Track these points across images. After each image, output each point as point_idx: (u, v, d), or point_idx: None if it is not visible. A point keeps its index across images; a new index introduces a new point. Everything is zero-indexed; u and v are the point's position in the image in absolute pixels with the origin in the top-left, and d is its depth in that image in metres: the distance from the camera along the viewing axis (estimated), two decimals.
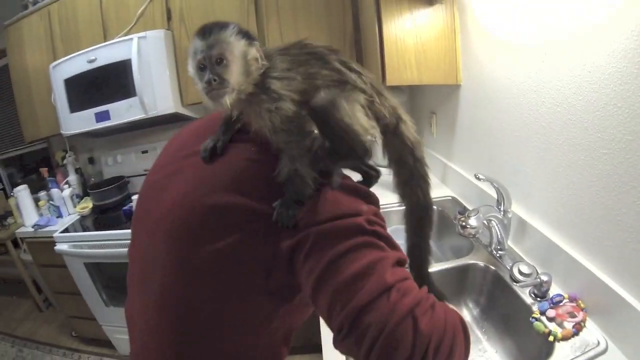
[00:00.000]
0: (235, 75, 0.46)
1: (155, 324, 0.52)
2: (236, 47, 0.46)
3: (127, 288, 0.62)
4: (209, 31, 0.46)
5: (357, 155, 0.50)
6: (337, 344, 0.43)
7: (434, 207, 1.13)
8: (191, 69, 0.48)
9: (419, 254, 0.62)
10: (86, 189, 2.11)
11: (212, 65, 0.45)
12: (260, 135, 0.49)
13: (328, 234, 0.44)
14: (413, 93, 1.77)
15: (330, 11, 1.57)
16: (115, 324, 1.98)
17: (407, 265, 0.52)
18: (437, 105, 1.51)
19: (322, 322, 0.77)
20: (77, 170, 2.13)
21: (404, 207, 0.62)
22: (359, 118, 0.48)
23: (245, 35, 0.48)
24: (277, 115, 0.46)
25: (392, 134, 0.56)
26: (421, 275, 0.61)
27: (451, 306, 0.45)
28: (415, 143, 0.58)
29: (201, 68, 0.46)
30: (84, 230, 1.82)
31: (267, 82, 0.47)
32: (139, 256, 0.58)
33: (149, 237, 0.55)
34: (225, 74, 0.45)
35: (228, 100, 0.46)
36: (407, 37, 1.22)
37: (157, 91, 1.57)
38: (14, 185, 3.07)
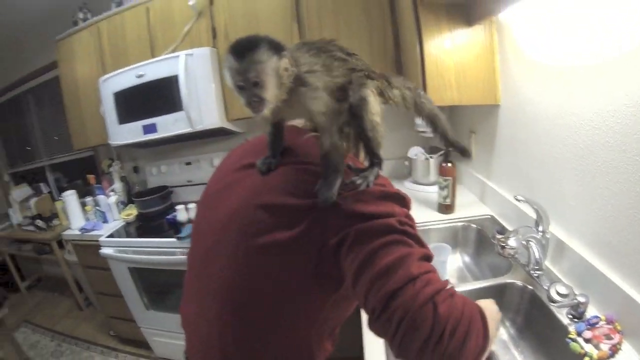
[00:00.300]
0: (271, 91, 0.53)
1: (216, 315, 0.60)
2: (269, 66, 0.51)
3: (183, 289, 0.73)
4: (243, 53, 0.51)
5: (377, 145, 0.62)
6: (371, 324, 0.51)
7: (473, 225, 1.30)
8: (230, 84, 0.54)
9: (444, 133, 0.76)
10: (130, 196, 2.21)
11: (249, 86, 0.51)
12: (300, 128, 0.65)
13: (366, 231, 0.51)
14: (452, 112, 1.76)
15: (371, 31, 1.59)
16: (153, 326, 2.05)
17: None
18: (476, 124, 1.51)
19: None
20: (122, 178, 2.23)
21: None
22: (376, 108, 0.60)
23: (276, 48, 0.52)
24: (318, 102, 0.55)
25: (418, 105, 0.70)
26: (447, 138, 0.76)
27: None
28: (405, 83, 0.70)
29: (240, 87, 0.52)
30: (128, 236, 1.90)
31: (302, 77, 0.55)
32: (200, 257, 0.67)
33: (214, 237, 0.63)
34: (262, 93, 0.52)
35: (267, 111, 0.54)
36: (447, 57, 1.24)
37: (203, 106, 1.63)
38: (60, 189, 3.26)
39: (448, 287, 0.49)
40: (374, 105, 0.60)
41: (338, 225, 0.53)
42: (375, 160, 0.63)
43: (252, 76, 0.50)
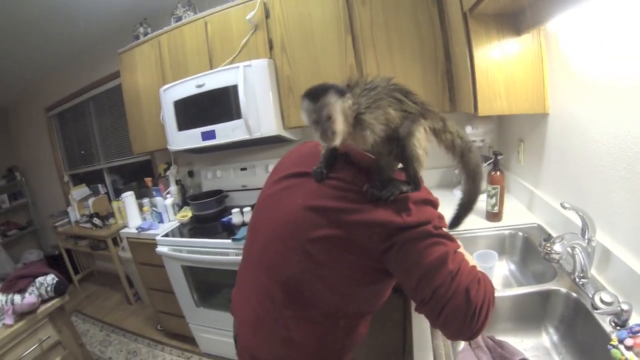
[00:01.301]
0: (339, 125, 0.67)
1: (266, 290, 0.76)
2: (338, 106, 0.66)
3: (237, 278, 0.90)
4: (316, 96, 0.66)
5: (414, 171, 0.71)
6: (420, 309, 0.67)
7: (520, 233, 1.33)
8: (306, 121, 0.69)
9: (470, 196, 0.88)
10: (185, 199, 2.34)
11: (323, 122, 0.66)
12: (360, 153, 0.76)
13: (410, 238, 0.65)
14: (501, 121, 1.76)
15: (422, 43, 1.62)
16: (201, 323, 2.15)
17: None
18: (525, 133, 1.49)
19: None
20: (178, 182, 2.37)
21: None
22: (422, 143, 0.70)
23: (341, 93, 0.67)
24: (374, 135, 0.68)
25: (443, 132, 0.77)
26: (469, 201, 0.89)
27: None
28: (459, 131, 0.79)
29: (315, 122, 0.67)
30: (182, 237, 2.01)
31: (359, 117, 0.68)
32: (257, 249, 0.82)
33: (272, 233, 0.77)
34: (333, 127, 0.66)
35: (337, 142, 0.68)
36: (496, 67, 1.24)
37: (261, 114, 1.71)
38: (116, 191, 3.50)
39: (475, 272, 0.66)
40: (420, 140, 0.70)
41: (386, 234, 0.66)
42: (411, 180, 0.72)
43: (325, 114, 0.65)
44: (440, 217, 0.71)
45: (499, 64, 1.25)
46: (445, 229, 0.70)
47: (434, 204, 0.72)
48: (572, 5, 0.88)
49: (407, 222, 0.66)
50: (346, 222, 0.67)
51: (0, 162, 4.20)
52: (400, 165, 0.75)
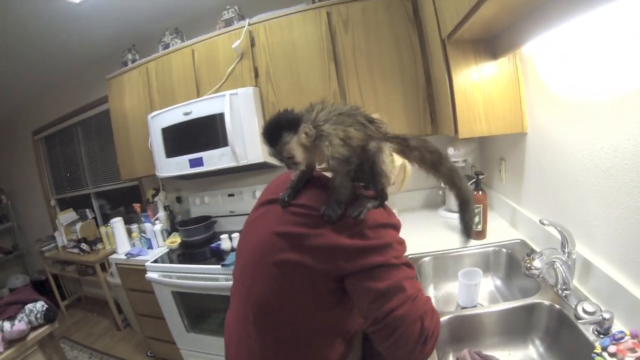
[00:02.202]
0: (300, 156, 0.72)
1: (248, 319, 0.78)
2: (293, 143, 0.71)
3: (230, 300, 0.92)
4: (272, 139, 0.72)
5: (381, 185, 0.75)
6: (370, 327, 0.69)
7: (504, 249, 1.35)
8: (271, 155, 0.75)
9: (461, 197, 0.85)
10: (174, 225, 2.33)
11: (285, 159, 0.73)
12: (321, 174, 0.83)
13: (368, 265, 0.68)
14: (482, 141, 1.82)
15: (403, 68, 1.68)
16: (192, 348, 2.12)
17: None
18: (506, 152, 1.55)
19: None
20: (166, 208, 2.37)
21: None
22: (387, 163, 0.75)
23: (294, 126, 0.71)
24: (330, 148, 0.71)
25: (410, 150, 0.80)
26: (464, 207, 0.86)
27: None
28: (427, 146, 0.81)
29: (279, 160, 0.74)
30: (172, 262, 2.00)
31: (320, 130, 0.72)
32: (238, 273, 0.86)
33: (247, 257, 0.82)
34: (295, 159, 0.72)
35: (301, 168, 0.76)
36: (475, 90, 1.30)
37: (247, 142, 1.74)
38: (103, 215, 3.46)
39: (429, 302, 0.71)
40: (386, 156, 0.76)
41: (344, 258, 0.69)
42: (379, 195, 0.77)
43: (284, 154, 0.72)
44: (400, 242, 0.74)
45: (478, 87, 1.31)
46: (403, 256, 0.72)
47: (394, 226, 0.75)
48: (544, 30, 0.93)
49: (364, 245, 0.69)
50: (306, 247, 0.71)
51: None
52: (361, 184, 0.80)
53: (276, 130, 0.72)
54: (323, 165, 0.79)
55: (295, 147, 0.71)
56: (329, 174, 0.81)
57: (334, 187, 0.73)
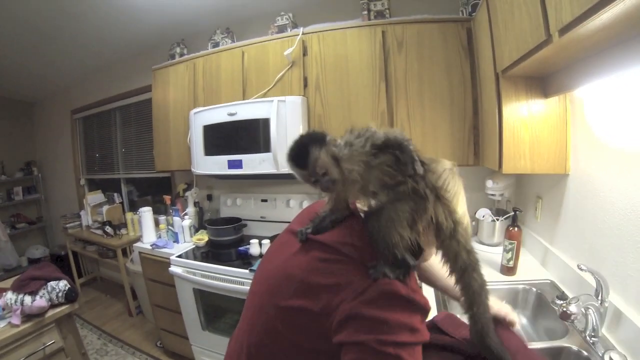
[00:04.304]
0: (335, 171, 0.62)
1: (246, 348, 0.68)
2: (324, 156, 0.62)
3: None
4: (301, 159, 0.63)
5: (390, 253, 0.59)
6: None
7: (534, 289, 1.29)
8: (302, 181, 0.66)
9: (478, 322, 0.67)
10: (202, 222, 2.34)
11: (320, 178, 0.63)
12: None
13: (371, 346, 0.53)
14: (520, 176, 1.78)
15: (452, 96, 1.66)
16: (205, 347, 2.12)
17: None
18: (544, 190, 1.53)
19: None
20: (196, 204, 2.38)
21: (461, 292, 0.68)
22: (397, 228, 0.58)
23: (320, 140, 0.63)
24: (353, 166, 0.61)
25: (449, 238, 0.63)
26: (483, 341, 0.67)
27: None
28: (469, 241, 0.65)
29: (314, 182, 0.64)
30: (196, 260, 2.01)
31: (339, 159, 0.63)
32: (251, 297, 0.75)
33: (260, 287, 0.72)
34: (331, 175, 0.62)
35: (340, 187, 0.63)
36: (523, 126, 1.29)
37: None
38: (131, 202, 3.53)
39: None
40: (391, 220, 0.60)
41: (355, 327, 0.54)
42: (399, 262, 0.60)
43: (318, 170, 0.62)
44: (412, 329, 0.55)
45: (526, 124, 1.29)
46: (414, 343, 0.55)
47: (417, 307, 0.57)
48: (599, 77, 0.92)
49: (382, 319, 0.54)
50: (316, 296, 0.59)
51: (20, 154, 4.28)
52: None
53: (302, 148, 0.63)
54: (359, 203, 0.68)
55: (328, 160, 0.62)
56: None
57: (376, 235, 0.59)
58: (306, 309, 0.59)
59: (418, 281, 0.77)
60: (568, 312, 0.92)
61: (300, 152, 0.63)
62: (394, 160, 0.60)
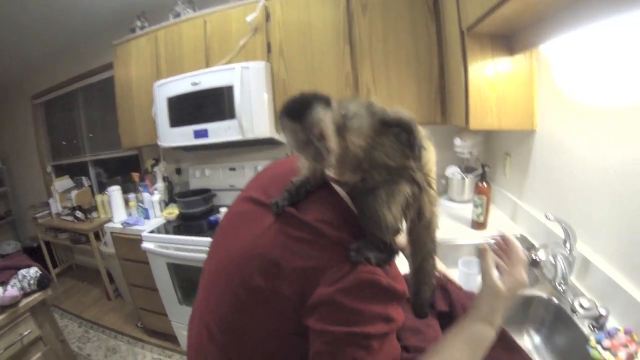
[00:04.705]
0: (334, 140, 0.53)
1: (210, 334, 0.61)
2: (328, 120, 0.52)
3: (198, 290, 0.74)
4: (300, 112, 0.51)
5: (379, 236, 0.55)
6: None
7: None
8: (292, 144, 0.55)
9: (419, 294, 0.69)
10: (172, 196, 2.32)
11: (314, 141, 0.52)
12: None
13: (341, 337, 0.50)
14: (489, 134, 1.82)
15: (418, 56, 1.67)
16: (184, 321, 2.13)
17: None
18: (512, 147, 1.57)
19: None
20: (165, 179, 2.35)
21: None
22: (392, 210, 0.54)
23: (326, 101, 0.53)
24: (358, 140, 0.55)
25: (425, 227, 0.63)
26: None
27: None
28: (436, 231, 0.65)
29: (305, 144, 0.53)
30: (168, 234, 2.00)
31: (345, 122, 0.55)
32: (213, 275, 0.67)
33: (220, 266, 0.65)
34: (328, 142, 0.52)
35: (331, 163, 0.54)
36: (489, 84, 1.31)
37: (255, 116, 1.72)
38: (100, 184, 3.43)
39: None
40: (385, 203, 0.56)
41: (327, 314, 0.51)
42: (386, 247, 0.57)
43: (315, 132, 0.51)
44: (387, 319, 0.53)
45: (492, 81, 1.31)
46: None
47: (396, 296, 0.54)
48: (563, 32, 0.94)
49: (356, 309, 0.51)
50: (284, 278, 0.54)
51: None
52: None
53: (306, 101, 0.53)
54: (346, 177, 0.60)
55: (331, 126, 0.52)
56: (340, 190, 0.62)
57: (370, 214, 0.54)
58: (280, 291, 0.53)
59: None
60: (537, 259, 0.95)
61: (302, 103, 0.53)
62: (398, 140, 0.56)
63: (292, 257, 0.54)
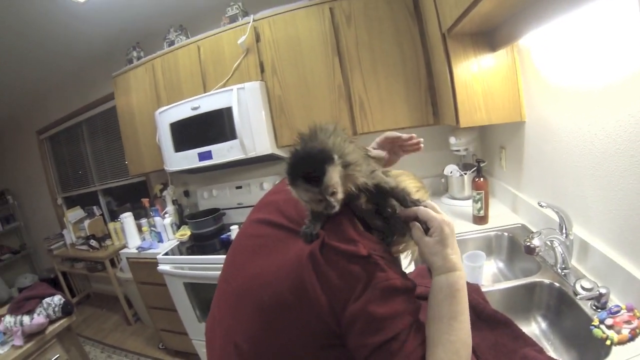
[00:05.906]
0: (341, 194, 0.60)
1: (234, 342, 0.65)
2: (337, 177, 0.58)
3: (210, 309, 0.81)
4: (316, 178, 0.56)
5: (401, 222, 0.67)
6: None
7: (505, 233, 1.38)
8: (304, 200, 0.60)
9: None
10: (183, 218, 2.38)
11: (327, 198, 0.58)
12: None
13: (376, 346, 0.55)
14: (483, 130, 1.87)
15: (405, 61, 1.72)
16: (204, 338, 2.17)
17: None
18: (506, 140, 1.61)
19: None
20: (174, 202, 2.41)
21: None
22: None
23: (331, 159, 0.57)
24: (361, 174, 0.62)
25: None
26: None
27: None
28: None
29: (318, 201, 0.58)
30: (182, 254, 2.05)
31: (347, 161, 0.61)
32: (232, 289, 0.71)
33: (238, 289, 0.69)
34: (338, 196, 0.59)
35: (338, 207, 0.59)
36: (475, 81, 1.36)
37: (255, 134, 1.79)
38: (111, 212, 3.51)
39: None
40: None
41: (362, 328, 0.55)
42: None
43: (330, 190, 0.57)
44: (409, 308, 0.58)
45: (477, 78, 1.36)
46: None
47: (411, 290, 0.60)
48: (539, 24, 0.97)
49: (375, 315, 0.55)
50: (309, 299, 0.57)
51: None
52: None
53: (317, 165, 0.57)
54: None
55: (339, 181, 0.59)
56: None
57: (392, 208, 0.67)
58: (310, 309, 0.57)
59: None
60: (531, 245, 0.96)
61: (313, 169, 0.57)
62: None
63: (321, 278, 0.58)
